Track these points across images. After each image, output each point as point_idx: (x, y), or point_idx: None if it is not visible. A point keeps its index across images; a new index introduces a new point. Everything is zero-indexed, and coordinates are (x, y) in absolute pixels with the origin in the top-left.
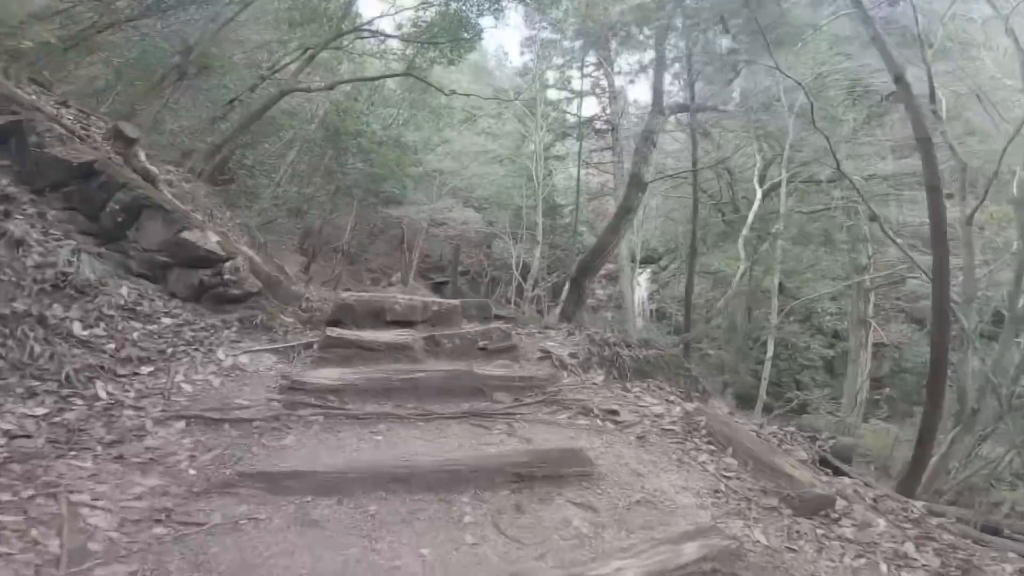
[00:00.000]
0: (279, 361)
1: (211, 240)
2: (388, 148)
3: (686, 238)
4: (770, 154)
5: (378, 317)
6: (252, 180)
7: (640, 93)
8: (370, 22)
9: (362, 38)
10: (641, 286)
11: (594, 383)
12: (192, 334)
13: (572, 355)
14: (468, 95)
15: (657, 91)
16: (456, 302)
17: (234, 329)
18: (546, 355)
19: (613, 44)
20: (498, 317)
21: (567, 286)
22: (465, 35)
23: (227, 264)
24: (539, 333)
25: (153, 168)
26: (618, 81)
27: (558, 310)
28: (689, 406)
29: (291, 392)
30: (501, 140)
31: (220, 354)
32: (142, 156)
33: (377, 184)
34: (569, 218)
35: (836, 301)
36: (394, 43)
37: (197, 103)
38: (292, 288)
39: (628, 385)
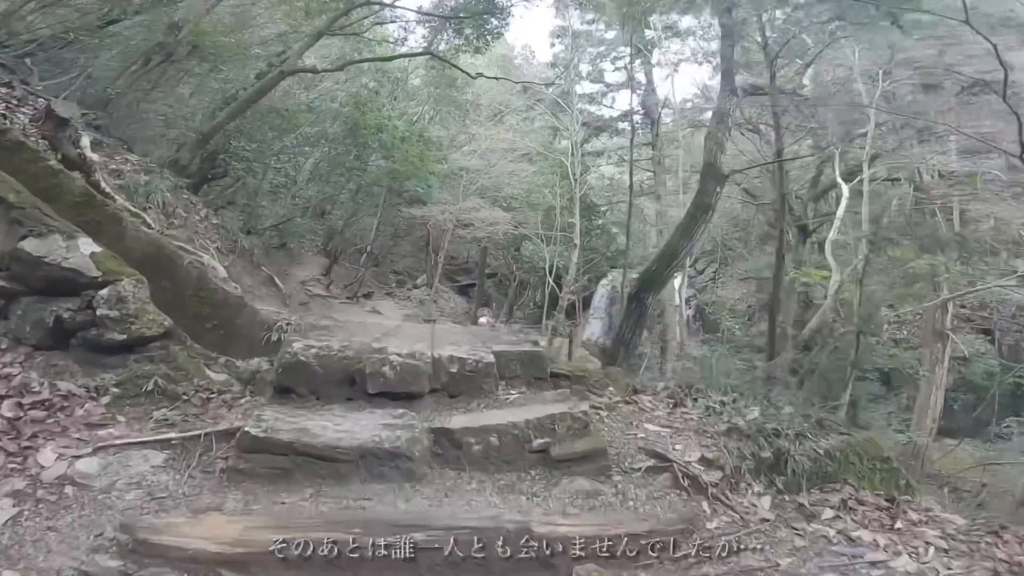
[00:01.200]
0: (165, 465)
1: (79, 253)
2: (411, 144)
3: (725, 241)
4: (833, 149)
5: (355, 385)
6: (250, 176)
7: (680, 85)
8: (390, 4)
9: (381, 23)
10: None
11: (763, 519)
12: (7, 415)
13: (706, 461)
14: (496, 78)
15: (727, 69)
16: (490, 357)
17: (106, 400)
18: (663, 464)
19: (650, 33)
20: (555, 376)
21: (625, 304)
22: (492, 19)
23: (102, 292)
24: (625, 403)
25: (92, 155)
26: (657, 73)
27: (595, 324)
28: (939, 542)
29: (135, 560)
30: (531, 136)
31: (45, 455)
32: (85, 141)
33: (400, 182)
34: (603, 219)
35: (893, 308)
36: (418, 32)
37: (209, 96)
38: (260, 313)
39: (810, 506)
